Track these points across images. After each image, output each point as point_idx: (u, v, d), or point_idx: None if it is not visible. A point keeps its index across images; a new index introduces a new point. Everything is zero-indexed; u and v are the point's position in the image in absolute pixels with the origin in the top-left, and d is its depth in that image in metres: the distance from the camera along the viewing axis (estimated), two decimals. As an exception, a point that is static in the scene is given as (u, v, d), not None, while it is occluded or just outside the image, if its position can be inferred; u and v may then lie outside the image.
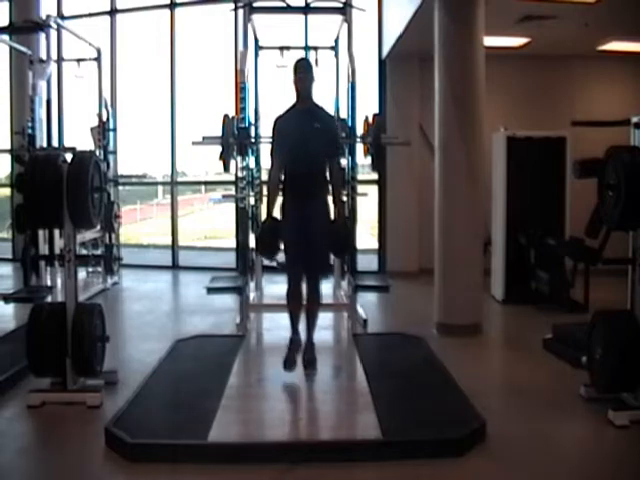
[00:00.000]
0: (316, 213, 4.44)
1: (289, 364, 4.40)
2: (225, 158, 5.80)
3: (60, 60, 9.00)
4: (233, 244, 9.27)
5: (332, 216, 4.52)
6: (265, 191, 4.82)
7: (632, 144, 4.31)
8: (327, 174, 4.49)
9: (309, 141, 4.37)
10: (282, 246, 4.50)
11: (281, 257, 4.67)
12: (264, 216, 4.58)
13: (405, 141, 6.57)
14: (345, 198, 6.31)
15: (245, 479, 3.22)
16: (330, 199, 4.54)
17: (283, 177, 4.52)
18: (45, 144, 6.80)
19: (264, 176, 6.96)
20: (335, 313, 6.43)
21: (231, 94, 8.47)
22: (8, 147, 8.84)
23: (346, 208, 6.25)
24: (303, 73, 4.45)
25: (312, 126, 4.41)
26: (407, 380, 4.38)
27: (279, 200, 4.54)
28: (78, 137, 9.11)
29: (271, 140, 4.56)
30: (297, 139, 4.40)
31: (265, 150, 6.61)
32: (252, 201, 6.31)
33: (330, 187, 4.51)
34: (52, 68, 7.06)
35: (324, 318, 6.26)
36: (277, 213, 4.53)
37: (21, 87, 8.36)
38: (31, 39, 7.66)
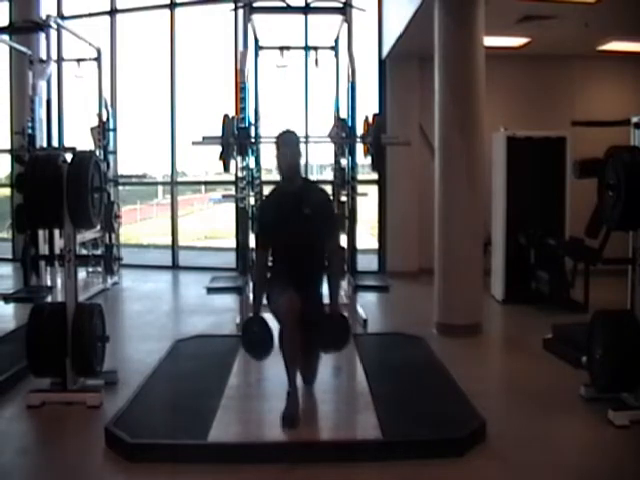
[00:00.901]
0: (309, 308, 3.78)
1: (288, 421, 3.63)
2: (225, 158, 5.80)
3: (60, 60, 9.00)
4: (233, 244, 9.26)
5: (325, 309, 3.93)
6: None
7: (632, 144, 4.31)
8: (321, 262, 3.96)
9: (298, 230, 3.83)
10: (271, 341, 3.90)
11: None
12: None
13: (405, 141, 6.57)
14: (344, 197, 6.34)
15: (245, 479, 3.22)
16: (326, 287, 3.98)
17: (272, 263, 4.04)
18: (45, 144, 6.80)
19: (264, 176, 6.97)
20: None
21: (231, 94, 8.47)
22: (8, 147, 8.84)
23: (346, 208, 6.27)
24: (289, 148, 3.90)
25: (302, 212, 3.85)
26: (407, 380, 4.38)
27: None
28: (78, 137, 9.12)
29: (256, 227, 4.10)
30: (284, 229, 3.86)
31: (265, 150, 6.61)
32: (252, 201, 6.31)
33: (326, 274, 3.97)
34: (52, 68, 7.06)
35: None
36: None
37: (21, 87, 8.36)
38: (31, 39, 7.66)
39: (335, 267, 4.02)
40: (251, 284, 4.07)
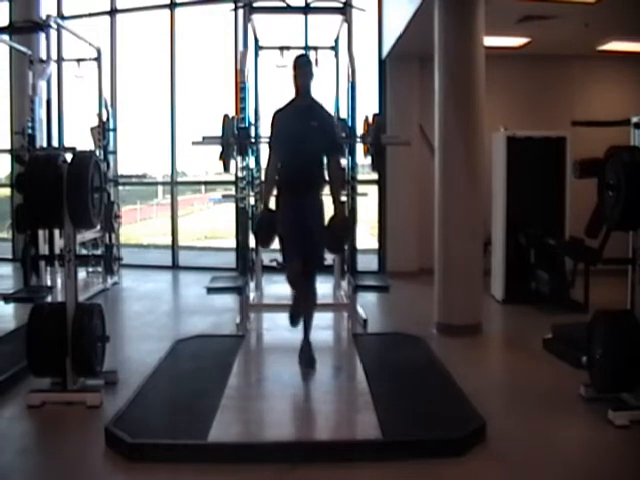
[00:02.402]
0: (310, 209, 4.48)
1: (295, 319, 4.68)
2: (225, 158, 5.80)
3: (60, 60, 8.99)
4: (233, 244, 9.27)
5: (327, 214, 4.54)
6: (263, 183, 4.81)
7: (632, 144, 4.31)
8: (324, 172, 4.52)
9: (306, 139, 4.40)
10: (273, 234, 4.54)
11: (279, 256, 4.66)
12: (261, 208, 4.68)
13: (405, 141, 6.57)
14: (344, 198, 6.35)
15: (245, 479, 3.22)
16: (327, 196, 4.57)
17: (279, 172, 4.56)
18: (45, 144, 6.80)
19: (263, 179, 6.96)
20: (335, 313, 6.43)
21: (231, 94, 8.47)
22: (8, 147, 8.84)
23: (346, 208, 6.27)
24: (302, 69, 4.50)
25: (309, 124, 4.45)
26: (407, 380, 4.38)
27: (274, 193, 4.62)
28: (78, 137, 9.12)
29: (269, 134, 4.60)
30: (294, 136, 4.44)
31: (265, 150, 6.61)
32: (252, 201, 6.31)
33: (328, 184, 4.54)
34: (52, 68, 7.06)
35: (324, 318, 6.28)
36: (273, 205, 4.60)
37: (21, 87, 8.37)
38: (31, 39, 7.67)
39: (335, 177, 4.57)
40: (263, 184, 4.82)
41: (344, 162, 6.34)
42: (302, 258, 4.38)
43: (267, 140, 4.69)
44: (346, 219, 4.70)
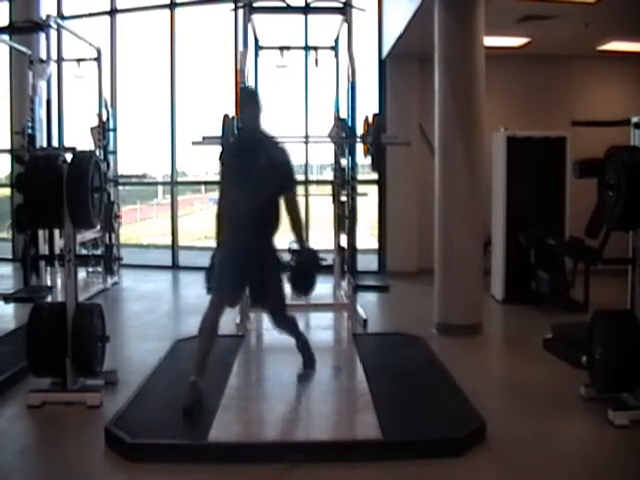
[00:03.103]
0: (257, 259, 4.06)
1: (189, 413, 3.66)
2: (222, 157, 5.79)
3: (60, 60, 8.98)
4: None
5: (278, 255, 4.17)
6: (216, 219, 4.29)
7: (632, 144, 4.31)
8: (277, 211, 4.13)
9: (252, 178, 4.01)
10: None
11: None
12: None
13: (405, 141, 6.57)
14: (344, 197, 6.35)
15: (245, 479, 3.22)
16: (277, 238, 4.18)
17: (227, 211, 4.22)
18: (45, 144, 6.79)
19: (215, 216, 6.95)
20: (335, 313, 6.43)
21: (231, 94, 8.47)
22: (8, 147, 8.84)
23: (346, 208, 6.28)
24: (247, 103, 4.19)
25: (257, 162, 4.04)
26: (407, 380, 4.37)
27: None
28: (78, 137, 9.11)
29: (220, 171, 4.30)
30: (240, 176, 4.07)
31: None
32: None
33: (289, 223, 4.16)
34: (52, 68, 7.06)
35: (324, 318, 6.29)
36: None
37: (21, 87, 8.37)
38: (31, 39, 7.66)
39: (293, 215, 4.17)
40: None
41: (344, 162, 6.37)
42: (233, 295, 4.11)
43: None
44: (313, 253, 4.26)
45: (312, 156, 9.40)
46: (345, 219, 6.29)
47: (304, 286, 4.26)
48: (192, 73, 9.91)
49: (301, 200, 4.43)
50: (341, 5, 6.09)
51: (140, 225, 16.79)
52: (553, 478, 3.25)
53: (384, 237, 9.13)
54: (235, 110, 6.42)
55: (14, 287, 7.29)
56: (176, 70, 9.58)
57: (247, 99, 4.23)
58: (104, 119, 8.12)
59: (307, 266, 4.22)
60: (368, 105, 8.17)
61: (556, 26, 6.90)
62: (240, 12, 7.37)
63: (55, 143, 7.86)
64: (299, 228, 4.22)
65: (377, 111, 8.66)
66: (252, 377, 4.61)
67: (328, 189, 7.48)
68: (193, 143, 5.84)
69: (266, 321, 6.13)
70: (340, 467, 3.26)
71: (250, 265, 4.04)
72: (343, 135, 6.23)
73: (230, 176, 4.19)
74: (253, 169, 4.05)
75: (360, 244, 6.49)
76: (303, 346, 4.54)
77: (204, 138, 5.76)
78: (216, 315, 4.05)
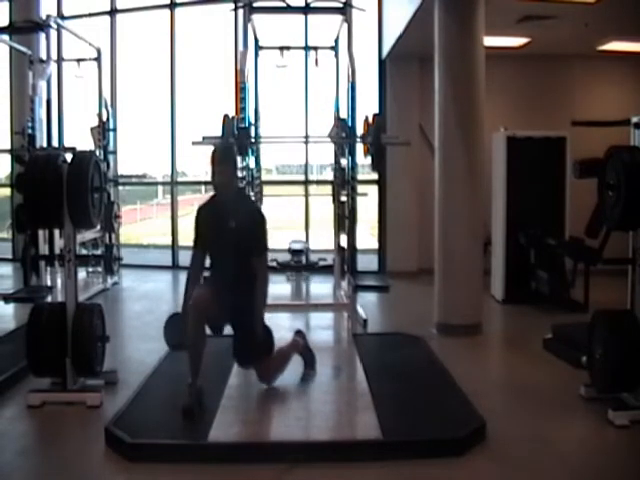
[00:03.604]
0: (239, 311, 4.01)
1: (188, 414, 3.68)
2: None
3: (60, 60, 8.99)
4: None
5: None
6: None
7: (632, 144, 4.31)
8: (251, 271, 4.04)
9: (226, 240, 3.95)
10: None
11: (279, 256, 4.61)
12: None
13: (405, 141, 6.57)
14: (344, 197, 6.35)
15: (245, 479, 3.22)
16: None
17: (208, 270, 4.16)
18: (45, 144, 6.80)
19: (264, 176, 6.97)
20: (335, 313, 6.43)
21: (231, 94, 8.47)
22: (8, 147, 8.84)
23: (346, 208, 6.28)
24: (219, 165, 4.01)
25: (227, 224, 3.96)
26: (407, 380, 4.38)
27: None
28: (78, 137, 9.12)
29: (194, 229, 4.16)
30: (214, 236, 4.00)
31: (265, 150, 6.62)
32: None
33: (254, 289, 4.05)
34: (52, 68, 7.06)
35: (324, 318, 6.29)
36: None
37: (21, 87, 8.36)
38: (31, 39, 7.66)
39: (259, 282, 4.03)
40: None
41: (344, 162, 6.37)
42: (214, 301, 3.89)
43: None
44: (257, 336, 4.05)
45: (312, 156, 9.41)
46: (345, 219, 6.29)
47: (244, 357, 4.14)
48: (192, 73, 9.91)
49: (301, 200, 4.36)
50: (341, 5, 6.09)
51: (140, 225, 16.78)
52: (553, 478, 3.25)
53: (384, 237, 9.13)
54: (235, 110, 6.44)
55: (14, 287, 7.30)
56: (176, 70, 9.58)
57: (222, 158, 4.04)
58: (104, 119, 8.12)
59: (251, 341, 4.04)
60: (368, 105, 8.17)
61: (556, 26, 6.90)
62: (240, 12, 7.37)
63: (55, 143, 7.86)
64: (259, 299, 4.05)
65: (377, 111, 8.67)
66: (252, 377, 4.60)
67: (328, 189, 7.49)
68: (193, 143, 5.84)
69: (266, 321, 6.15)
70: (340, 467, 3.26)
71: (232, 308, 3.98)
72: (343, 135, 6.23)
73: (205, 236, 4.07)
74: (227, 230, 3.96)
75: (360, 244, 6.49)
76: (305, 350, 4.54)
77: (204, 138, 5.76)
78: (198, 322, 3.89)
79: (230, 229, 3.96)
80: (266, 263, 4.19)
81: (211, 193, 4.21)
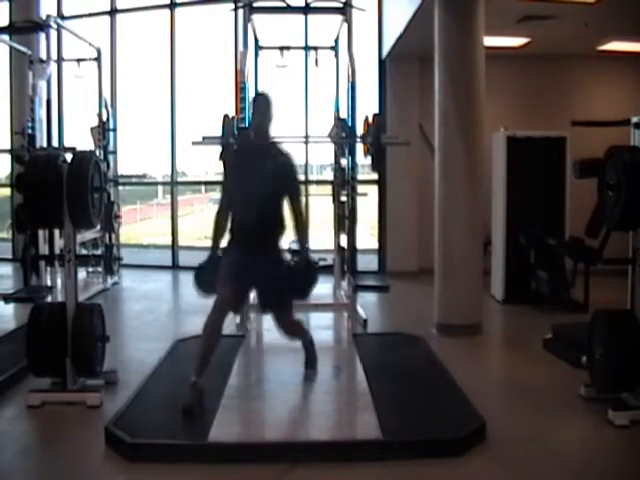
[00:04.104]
0: (264, 264, 4.07)
1: (188, 414, 3.67)
2: (225, 158, 5.79)
3: (60, 60, 8.99)
4: (233, 244, 9.26)
5: (284, 258, 4.25)
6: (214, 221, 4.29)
7: (632, 144, 4.31)
8: (282, 215, 4.17)
9: (258, 183, 4.05)
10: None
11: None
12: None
13: (405, 141, 6.57)
14: (344, 197, 6.35)
15: (245, 479, 3.22)
16: (283, 243, 4.26)
17: (232, 215, 4.21)
18: (45, 144, 6.80)
19: (213, 222, 6.94)
20: (335, 313, 6.43)
21: (231, 94, 8.47)
22: (8, 147, 8.84)
23: (346, 208, 6.28)
24: (259, 110, 4.21)
25: (264, 166, 4.10)
26: (407, 380, 4.38)
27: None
28: (78, 137, 9.12)
29: (223, 174, 4.31)
30: (248, 178, 4.12)
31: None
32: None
33: (293, 227, 4.21)
34: (52, 68, 7.05)
35: (324, 318, 6.28)
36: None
37: (21, 87, 8.37)
38: (31, 39, 7.66)
39: (298, 220, 4.24)
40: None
41: (344, 162, 6.38)
42: (237, 295, 4.07)
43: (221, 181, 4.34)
44: (309, 264, 4.27)
45: (312, 156, 9.41)
46: (345, 219, 6.29)
47: (303, 288, 4.26)
48: (192, 73, 9.91)
49: (302, 200, 4.51)
50: (341, 5, 6.08)
51: (140, 225, 16.78)
52: (553, 478, 3.25)
53: (384, 237, 9.13)
54: (235, 110, 6.44)
55: (14, 287, 7.30)
56: (176, 70, 9.58)
57: (261, 105, 4.23)
58: (104, 119, 8.12)
59: (306, 269, 4.23)
60: (368, 105, 8.17)
61: (556, 26, 6.90)
62: (240, 12, 7.37)
63: (55, 143, 7.86)
64: (303, 231, 4.26)
65: (377, 111, 8.67)
66: (252, 377, 4.61)
67: (328, 189, 7.48)
68: (193, 143, 5.83)
69: (266, 321, 6.15)
70: (340, 467, 3.26)
71: (256, 269, 4.04)
72: (343, 135, 6.23)
73: (236, 180, 4.18)
74: (260, 174, 4.08)
75: (360, 244, 6.49)
76: (309, 345, 4.55)
77: (204, 138, 5.76)
78: (220, 318, 4.01)
79: (268, 170, 4.11)
80: (302, 200, 4.39)
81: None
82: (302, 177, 5.28)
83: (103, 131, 8.05)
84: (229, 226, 4.19)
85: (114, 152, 8.40)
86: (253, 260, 4.02)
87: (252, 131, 4.32)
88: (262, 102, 4.26)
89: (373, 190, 8.94)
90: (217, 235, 4.23)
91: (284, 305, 4.28)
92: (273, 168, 4.11)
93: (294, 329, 4.44)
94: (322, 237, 8.33)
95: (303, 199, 4.36)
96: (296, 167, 4.33)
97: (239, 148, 4.35)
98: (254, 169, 4.11)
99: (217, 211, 4.26)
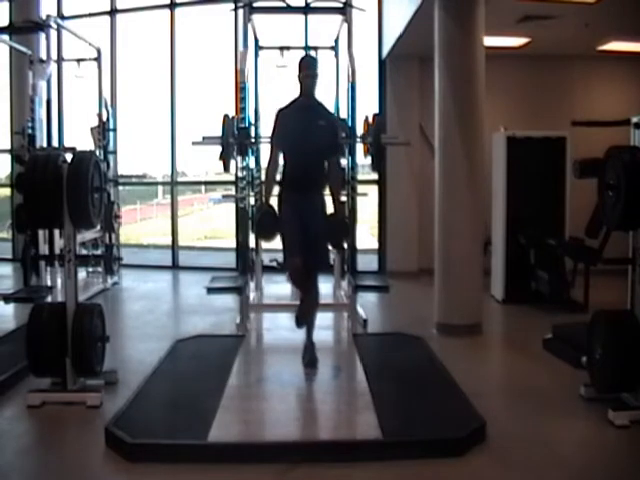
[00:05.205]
0: (314, 208, 4.50)
1: (301, 320, 4.66)
2: (225, 158, 5.80)
3: (60, 60, 9.00)
4: (233, 244, 9.28)
5: (328, 211, 4.60)
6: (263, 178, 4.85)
7: (632, 144, 4.31)
8: (324, 171, 4.56)
9: (311, 137, 4.43)
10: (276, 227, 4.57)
11: (279, 256, 4.67)
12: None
13: (405, 141, 6.57)
14: (344, 197, 6.36)
15: (245, 479, 3.22)
16: (328, 195, 4.62)
17: (282, 169, 4.61)
18: (45, 144, 6.80)
19: (264, 176, 6.96)
20: (335, 313, 6.43)
21: (231, 94, 8.47)
22: (8, 147, 8.83)
23: (346, 208, 6.27)
24: (309, 70, 4.53)
25: (316, 122, 4.48)
26: (407, 380, 4.37)
27: (276, 190, 4.65)
28: (78, 137, 9.12)
29: (272, 130, 4.59)
30: (299, 134, 4.46)
31: (265, 150, 6.61)
32: (252, 201, 6.31)
33: (328, 184, 4.57)
34: (52, 68, 7.05)
35: (324, 318, 6.27)
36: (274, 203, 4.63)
37: (21, 87, 8.37)
38: (31, 39, 7.67)
39: (335, 177, 4.61)
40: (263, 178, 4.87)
41: (344, 162, 6.37)
42: (303, 256, 4.36)
43: (269, 137, 4.65)
44: (344, 218, 4.76)
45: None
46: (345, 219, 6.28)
47: (338, 237, 4.72)
48: (192, 73, 9.91)
49: (340, 157, 4.90)
50: (341, 5, 6.08)
51: (140, 225, 16.78)
52: (553, 478, 3.25)
53: (384, 237, 9.13)
54: (235, 110, 6.44)
55: (14, 287, 7.30)
56: (176, 70, 9.58)
57: (311, 65, 4.55)
58: (104, 119, 8.12)
59: (336, 231, 4.60)
60: (368, 105, 8.16)
61: (556, 26, 6.90)
62: (240, 12, 7.36)
63: (55, 143, 7.87)
64: (337, 190, 4.61)
65: (377, 111, 8.67)
66: (252, 377, 4.60)
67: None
68: (193, 143, 5.84)
69: (266, 321, 6.16)
70: (340, 467, 3.26)
71: (309, 216, 4.42)
72: (343, 135, 6.23)
73: (288, 134, 4.50)
74: (311, 129, 4.45)
75: (360, 244, 6.49)
76: (310, 345, 4.68)
77: (204, 138, 5.77)
78: (300, 280, 4.45)
79: (318, 126, 4.47)
80: (340, 161, 4.85)
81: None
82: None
83: (103, 131, 8.05)
84: (279, 178, 4.59)
85: (114, 152, 8.40)
86: (306, 207, 4.43)
87: (302, 90, 4.56)
88: (309, 62, 4.58)
89: (373, 190, 8.94)
90: (269, 188, 4.62)
91: (323, 255, 4.65)
92: (321, 125, 4.47)
93: (318, 298, 4.73)
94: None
95: (342, 162, 4.85)
96: (340, 127, 4.77)
97: (289, 106, 4.61)
98: (306, 125, 4.46)
99: (267, 165, 4.64)
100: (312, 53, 7.04)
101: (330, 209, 4.60)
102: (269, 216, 4.54)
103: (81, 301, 4.54)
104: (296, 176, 4.49)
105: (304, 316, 4.66)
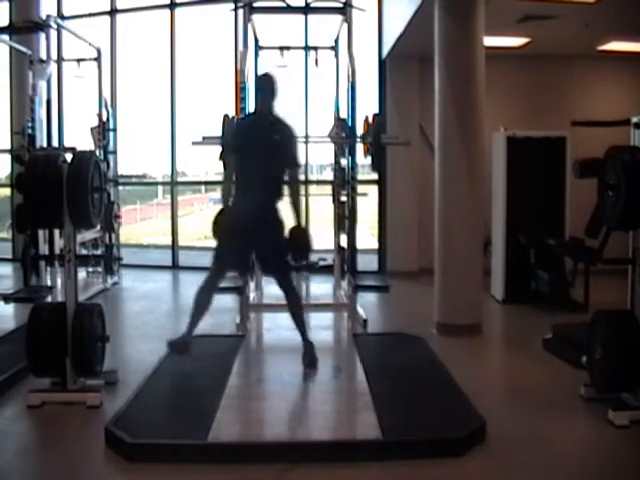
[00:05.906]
0: (264, 225, 4.46)
1: (311, 362, 4.55)
2: (225, 158, 5.79)
3: (60, 60, 8.99)
4: (233, 244, 9.26)
5: (284, 223, 4.57)
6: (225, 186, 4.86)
7: (632, 144, 4.31)
8: (281, 185, 4.55)
9: (262, 151, 4.46)
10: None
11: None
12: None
13: (405, 141, 6.57)
14: (344, 197, 6.36)
15: (245, 479, 3.22)
16: (282, 207, 4.58)
17: (235, 180, 4.66)
18: (45, 144, 6.79)
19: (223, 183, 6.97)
20: (335, 313, 6.43)
21: (231, 94, 8.47)
22: (8, 147, 8.83)
23: (346, 208, 6.28)
24: (264, 89, 4.63)
25: (270, 137, 4.52)
26: (407, 380, 4.37)
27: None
28: (78, 137, 9.11)
29: (227, 140, 4.74)
30: (251, 147, 4.52)
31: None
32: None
33: (289, 197, 4.56)
34: (52, 68, 7.05)
35: (324, 318, 6.29)
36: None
37: (21, 87, 8.37)
38: (31, 39, 7.66)
39: (294, 186, 4.61)
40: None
41: (344, 162, 6.38)
42: (265, 274, 4.48)
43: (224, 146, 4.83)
44: (305, 230, 4.71)
45: (312, 156, 9.39)
46: (345, 219, 6.29)
47: (301, 251, 4.63)
48: (192, 73, 9.91)
49: (302, 200, 4.80)
50: (341, 5, 6.08)
51: (140, 225, 16.78)
52: (553, 478, 3.25)
53: (384, 237, 9.13)
54: (235, 110, 6.44)
55: (14, 287, 7.30)
56: (176, 70, 9.58)
57: (264, 85, 4.64)
58: (104, 119, 8.12)
59: (296, 245, 4.57)
60: (368, 105, 8.17)
61: (556, 26, 6.90)
62: (240, 12, 7.36)
63: (55, 143, 7.86)
64: (298, 207, 4.60)
65: (377, 111, 8.67)
66: (252, 377, 4.61)
67: (328, 189, 7.47)
68: (193, 143, 5.84)
69: (266, 321, 6.16)
70: (340, 467, 3.26)
71: (256, 230, 4.38)
72: (343, 135, 6.23)
73: (242, 147, 4.57)
74: (264, 143, 4.47)
75: (360, 244, 6.49)
76: (307, 343, 4.67)
77: (204, 138, 5.76)
78: (213, 285, 4.59)
79: (273, 140, 4.50)
80: (299, 177, 4.84)
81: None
82: (301, 153, 5.60)
83: (103, 131, 8.04)
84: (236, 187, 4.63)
85: (114, 152, 8.40)
86: (253, 219, 4.37)
87: (257, 107, 4.68)
88: (265, 81, 4.65)
89: (373, 190, 8.94)
90: (226, 196, 4.68)
91: (283, 268, 4.60)
92: (275, 137, 4.49)
93: (297, 300, 4.73)
94: (322, 237, 8.33)
95: (301, 168, 4.80)
96: (297, 138, 4.73)
97: (244, 119, 4.76)
98: (257, 137, 4.51)
99: (224, 177, 4.77)
100: (311, 53, 7.06)
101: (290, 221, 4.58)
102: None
103: (81, 301, 4.54)
104: (246, 191, 4.52)
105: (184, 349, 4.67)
